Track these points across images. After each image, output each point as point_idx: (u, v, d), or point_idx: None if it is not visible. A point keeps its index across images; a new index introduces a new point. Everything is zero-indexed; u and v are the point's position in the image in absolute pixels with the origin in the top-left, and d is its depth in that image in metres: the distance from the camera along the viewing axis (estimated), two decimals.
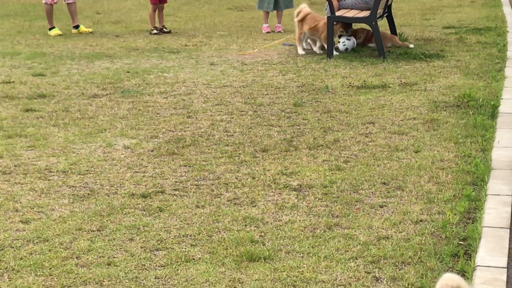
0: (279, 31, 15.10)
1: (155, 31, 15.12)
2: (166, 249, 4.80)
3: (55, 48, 13.47)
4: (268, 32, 14.99)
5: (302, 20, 12.19)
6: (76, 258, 4.69)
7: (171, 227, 5.15)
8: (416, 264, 4.49)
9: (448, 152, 6.65)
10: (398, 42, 12.54)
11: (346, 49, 12.11)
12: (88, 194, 5.84)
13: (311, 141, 7.10)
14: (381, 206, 5.45)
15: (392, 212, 5.33)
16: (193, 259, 4.64)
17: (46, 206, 5.59)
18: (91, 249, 4.80)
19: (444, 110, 8.12)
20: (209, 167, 6.43)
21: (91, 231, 5.11)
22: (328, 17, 11.77)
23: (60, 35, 15.04)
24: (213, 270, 4.48)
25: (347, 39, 12.14)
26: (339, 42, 12.19)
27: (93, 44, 13.85)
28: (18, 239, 4.98)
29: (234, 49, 12.99)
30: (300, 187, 5.90)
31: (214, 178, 6.14)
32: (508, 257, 4.47)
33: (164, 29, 15.34)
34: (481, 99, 8.37)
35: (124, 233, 5.05)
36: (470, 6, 18.70)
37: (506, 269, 4.32)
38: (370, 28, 12.04)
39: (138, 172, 6.36)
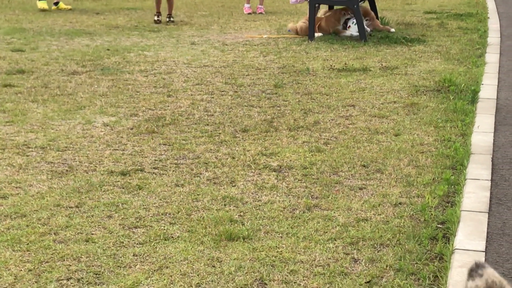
0: (261, 13, 15.06)
1: (156, 18, 13.65)
2: (145, 226, 4.78)
3: (35, 24, 13.37)
4: (249, 13, 14.94)
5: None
6: (54, 234, 4.65)
7: (150, 205, 5.12)
8: (394, 246, 4.49)
9: (428, 136, 6.66)
10: (379, 26, 12.53)
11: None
12: (67, 170, 5.80)
13: (292, 122, 7.09)
14: (360, 188, 5.45)
15: (372, 195, 5.33)
16: (172, 237, 4.63)
17: (24, 181, 5.55)
18: (69, 226, 4.77)
19: (425, 94, 8.13)
20: (189, 146, 6.40)
21: (69, 207, 5.07)
22: (310, 0, 11.74)
23: (45, 10, 14.92)
24: (191, 248, 4.47)
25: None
26: (349, 27, 12.04)
27: (73, 21, 13.76)
28: None
29: (215, 29, 12.94)
30: (280, 168, 5.89)
31: (194, 157, 6.12)
32: (487, 241, 4.49)
33: (171, 18, 13.79)
34: (461, 84, 8.39)
35: (103, 210, 5.02)
36: None
37: (484, 253, 4.33)
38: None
39: (117, 149, 6.32)
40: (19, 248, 4.45)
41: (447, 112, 7.37)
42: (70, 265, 4.25)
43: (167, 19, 13.79)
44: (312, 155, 6.17)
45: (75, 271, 4.18)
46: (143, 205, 5.11)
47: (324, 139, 6.60)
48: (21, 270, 4.19)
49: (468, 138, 6.53)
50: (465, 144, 6.37)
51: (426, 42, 11.42)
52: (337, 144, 6.45)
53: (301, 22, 12.27)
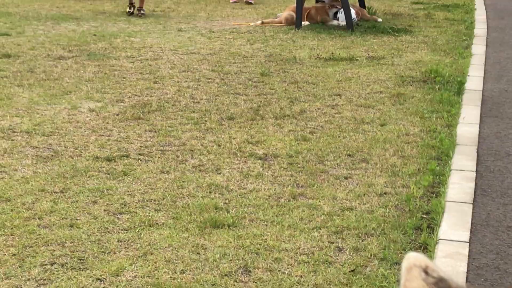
0: (249, 2, 14.93)
1: (142, 12, 12.84)
2: (130, 213, 4.77)
3: (21, 8, 13.30)
4: (235, 2, 14.85)
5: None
6: (39, 218, 4.64)
7: (135, 191, 5.12)
8: (379, 236, 4.50)
9: (414, 126, 6.67)
10: (366, 16, 12.53)
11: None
12: (52, 155, 5.78)
13: (278, 111, 7.09)
14: (345, 178, 5.46)
15: (357, 184, 5.34)
16: (157, 223, 4.62)
17: (9, 166, 5.52)
18: (54, 211, 4.76)
19: (411, 85, 8.14)
20: (175, 133, 6.39)
21: (54, 192, 5.06)
22: None
23: None
24: (176, 235, 4.47)
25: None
26: (338, 18, 12.00)
27: (60, 6, 13.69)
28: None
29: (202, 16, 12.91)
30: (266, 156, 5.89)
31: (180, 144, 6.11)
32: (471, 231, 4.51)
33: (142, 11, 12.86)
34: (447, 75, 8.40)
35: (88, 196, 5.01)
36: None
37: (468, 243, 4.35)
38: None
39: (102, 135, 6.31)
40: (3, 233, 4.44)
41: (433, 103, 7.39)
42: (54, 250, 4.24)
43: (137, 12, 12.90)
44: (298, 143, 6.17)
45: (59, 256, 4.17)
46: (128, 191, 5.11)
47: (310, 128, 6.61)
48: (5, 254, 4.18)
49: (454, 129, 6.55)
50: (450, 135, 6.38)
51: (413, 32, 11.43)
52: (323, 133, 6.45)
53: (286, 13, 12.24)
